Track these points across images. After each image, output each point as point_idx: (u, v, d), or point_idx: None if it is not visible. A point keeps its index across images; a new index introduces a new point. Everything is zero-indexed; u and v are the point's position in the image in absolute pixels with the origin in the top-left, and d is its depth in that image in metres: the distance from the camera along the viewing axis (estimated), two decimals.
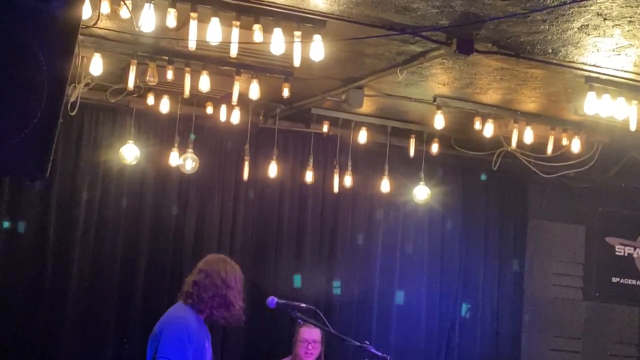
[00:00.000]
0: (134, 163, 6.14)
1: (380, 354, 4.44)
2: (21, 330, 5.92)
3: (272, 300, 4.66)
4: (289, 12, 4.29)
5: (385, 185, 6.84)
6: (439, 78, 5.45)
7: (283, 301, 4.71)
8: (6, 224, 5.93)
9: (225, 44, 4.36)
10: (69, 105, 5.32)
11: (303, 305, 4.67)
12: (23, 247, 6.01)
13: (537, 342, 7.83)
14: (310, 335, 5.89)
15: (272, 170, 6.49)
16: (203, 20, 4.23)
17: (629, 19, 4.10)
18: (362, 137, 6.62)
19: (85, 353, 6.09)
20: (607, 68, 4.92)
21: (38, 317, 5.98)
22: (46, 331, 6.00)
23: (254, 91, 5.30)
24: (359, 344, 4.52)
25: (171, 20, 4.20)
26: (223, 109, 6.04)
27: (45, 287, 6.03)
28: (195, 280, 4.45)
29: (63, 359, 6.03)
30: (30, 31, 3.03)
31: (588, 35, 4.40)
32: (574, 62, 4.86)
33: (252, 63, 5.18)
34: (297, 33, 4.34)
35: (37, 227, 6.06)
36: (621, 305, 8.11)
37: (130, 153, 6.09)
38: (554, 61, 4.85)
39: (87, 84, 5.46)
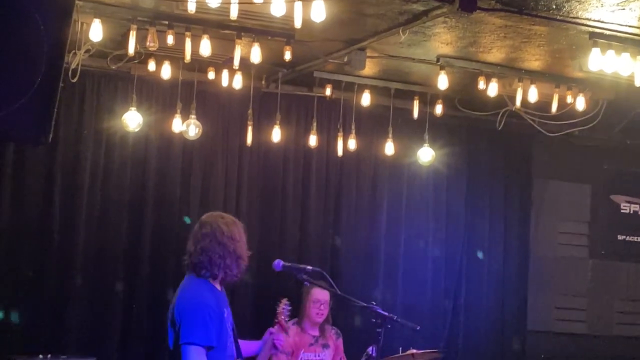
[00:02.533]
0: (136, 130, 6.13)
1: (386, 313, 4.46)
2: (29, 300, 5.95)
3: (279, 263, 4.68)
4: None
5: (389, 148, 6.82)
6: (442, 37, 5.40)
7: (289, 264, 4.72)
8: (11, 189, 5.93)
9: (225, 7, 4.33)
10: (70, 73, 5.29)
11: (309, 267, 4.69)
12: (28, 214, 6.02)
13: (543, 301, 7.87)
14: (323, 295, 5.92)
15: (276, 134, 6.48)
16: None
17: None
18: (365, 99, 6.59)
19: (95, 320, 6.12)
20: (612, 23, 4.87)
21: (45, 287, 6.01)
22: (54, 300, 6.03)
23: (256, 55, 5.26)
24: (365, 304, 4.55)
25: None
26: (225, 74, 6.01)
27: (52, 254, 6.05)
28: (202, 247, 4.34)
29: (72, 327, 6.07)
30: None
31: None
32: (577, 17, 4.81)
33: (253, 26, 5.14)
34: None
35: (42, 194, 6.07)
36: (627, 262, 8.13)
37: (132, 120, 6.08)
38: (558, 17, 4.80)
39: (87, 51, 5.43)
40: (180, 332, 4.02)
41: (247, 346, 4.66)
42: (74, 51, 5.27)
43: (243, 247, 4.32)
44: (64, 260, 6.09)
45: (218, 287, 4.29)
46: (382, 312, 4.47)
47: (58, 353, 5.59)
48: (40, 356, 5.46)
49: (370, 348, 4.88)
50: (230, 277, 4.30)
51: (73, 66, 5.34)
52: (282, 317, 4.81)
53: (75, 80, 5.37)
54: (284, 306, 4.90)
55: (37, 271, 6.01)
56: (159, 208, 6.40)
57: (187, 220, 6.16)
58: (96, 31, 5.03)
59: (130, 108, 6.09)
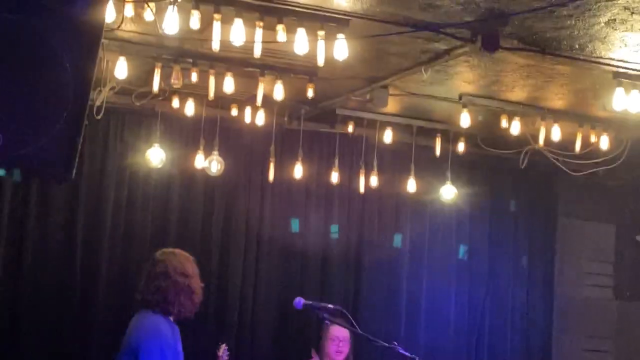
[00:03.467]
0: (160, 166, 6.17)
1: (408, 354, 4.41)
2: (51, 333, 5.95)
3: (299, 301, 4.66)
4: (312, 11, 4.28)
5: (411, 185, 6.80)
6: (464, 76, 5.40)
7: (310, 302, 4.70)
8: (34, 226, 5.97)
9: (249, 46, 4.36)
10: (94, 110, 5.35)
11: (330, 305, 4.67)
12: (51, 249, 6.05)
13: (568, 343, 7.75)
14: (341, 332, 5.88)
15: (298, 171, 6.49)
16: (226, 22, 4.23)
17: None
18: (388, 137, 6.59)
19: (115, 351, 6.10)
20: (636, 63, 4.84)
21: (68, 323, 6.02)
22: (76, 334, 6.03)
23: (279, 92, 5.30)
24: (387, 344, 4.50)
25: (195, 22, 4.20)
26: (248, 110, 6.05)
27: (75, 291, 6.07)
28: (156, 285, 4.51)
29: None
30: (55, 34, 3.05)
31: (615, 30, 4.33)
32: (601, 57, 4.79)
33: (276, 64, 5.18)
34: (321, 32, 4.32)
35: (65, 229, 6.10)
36: None
37: (156, 156, 6.12)
38: (581, 57, 4.79)
39: (112, 88, 5.49)
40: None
41: None
42: (99, 88, 5.33)
43: (196, 282, 4.54)
44: (86, 295, 6.10)
45: (172, 320, 4.54)
46: (404, 352, 4.42)
47: None
48: None
49: None
50: (184, 313, 4.52)
51: (98, 103, 5.40)
52: None
53: (99, 117, 5.42)
54: (223, 350, 4.99)
55: (59, 306, 6.01)
56: (181, 244, 6.38)
57: None
58: (121, 69, 5.09)
59: (154, 144, 6.13)
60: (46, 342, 5.92)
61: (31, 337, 5.88)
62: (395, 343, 4.53)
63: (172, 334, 4.51)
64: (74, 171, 3.15)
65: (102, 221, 6.19)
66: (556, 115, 6.02)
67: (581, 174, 6.95)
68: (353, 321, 4.76)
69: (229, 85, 5.22)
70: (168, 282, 4.52)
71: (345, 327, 5.13)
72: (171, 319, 4.59)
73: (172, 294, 4.52)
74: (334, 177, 6.63)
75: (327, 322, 4.71)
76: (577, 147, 6.25)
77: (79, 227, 6.11)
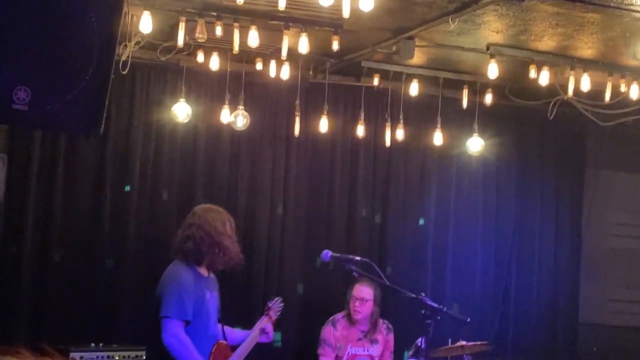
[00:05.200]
0: (186, 121, 6.18)
1: (436, 305, 4.43)
2: (80, 291, 6.04)
3: (327, 253, 4.69)
4: None
5: (437, 138, 6.75)
6: (492, 25, 5.31)
7: (337, 255, 4.73)
8: (63, 181, 6.03)
9: None
10: (120, 65, 5.34)
11: (358, 258, 4.69)
12: (80, 205, 6.11)
13: (596, 293, 7.74)
14: (359, 292, 5.91)
15: (323, 125, 6.46)
16: None
17: None
18: (414, 89, 6.53)
19: (145, 311, 6.16)
20: None
21: (96, 277, 6.09)
22: (105, 290, 6.11)
23: (303, 45, 5.25)
24: (414, 295, 4.52)
25: None
26: (273, 64, 6.01)
27: (103, 245, 6.13)
28: (188, 234, 4.64)
29: (123, 318, 6.13)
30: None
31: None
32: (632, 4, 4.68)
33: (301, 16, 5.12)
34: None
35: (93, 184, 6.15)
36: None
37: (182, 111, 6.12)
38: (612, 4, 4.69)
39: (137, 43, 5.47)
40: (160, 307, 4.52)
41: (236, 334, 4.87)
42: (124, 43, 5.31)
43: (227, 240, 4.64)
44: (115, 250, 6.17)
45: (204, 272, 4.73)
46: (432, 303, 4.44)
47: (110, 343, 5.68)
48: (92, 345, 5.55)
49: (419, 340, 4.86)
50: (215, 266, 4.64)
51: (123, 58, 5.39)
52: (272, 312, 4.93)
53: (125, 72, 5.42)
54: (276, 302, 5.01)
55: (89, 262, 6.09)
56: (208, 199, 6.42)
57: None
58: (146, 23, 5.06)
59: (180, 99, 6.13)
60: (76, 296, 6.01)
61: (61, 291, 5.97)
62: (423, 294, 4.55)
63: (197, 282, 4.62)
64: (102, 126, 3.17)
65: (130, 176, 6.24)
66: (586, 64, 5.92)
67: (610, 124, 6.86)
68: (380, 273, 4.78)
69: (254, 38, 5.18)
70: (198, 233, 4.68)
71: (372, 279, 5.15)
72: (203, 270, 4.68)
73: (199, 244, 4.65)
74: (360, 130, 6.60)
75: (354, 274, 4.74)
76: (607, 96, 6.16)
77: (107, 182, 6.16)
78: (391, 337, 6.10)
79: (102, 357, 5.48)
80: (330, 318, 6.05)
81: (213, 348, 4.68)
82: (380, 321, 6.07)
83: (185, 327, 4.55)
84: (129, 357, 5.50)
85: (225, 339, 4.83)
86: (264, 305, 5.09)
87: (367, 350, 5.97)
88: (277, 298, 5.10)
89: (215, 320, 4.76)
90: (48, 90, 3.03)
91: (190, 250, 4.68)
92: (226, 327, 4.91)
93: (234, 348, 4.84)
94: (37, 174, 5.96)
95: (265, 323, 4.88)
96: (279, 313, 5.03)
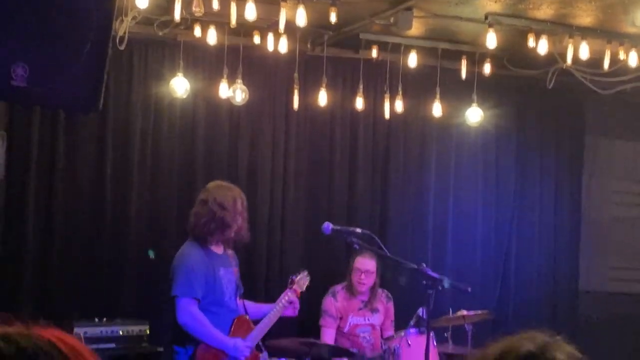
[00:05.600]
0: (184, 96, 6.17)
1: (437, 275, 4.46)
2: (83, 265, 6.06)
3: (328, 226, 4.71)
4: None
5: (437, 109, 6.75)
6: None
7: (338, 227, 4.75)
8: (64, 157, 6.03)
9: None
10: (117, 40, 5.33)
11: (358, 230, 4.72)
12: (81, 181, 6.12)
13: (596, 261, 7.78)
14: (364, 265, 5.93)
15: (322, 98, 6.45)
16: None
17: None
18: (412, 60, 6.51)
19: (148, 286, 6.21)
20: None
21: (99, 251, 6.12)
22: (108, 265, 6.14)
23: (301, 17, 5.22)
24: (415, 266, 4.55)
25: None
26: (270, 38, 5.99)
27: (105, 219, 6.15)
28: (198, 211, 4.71)
29: (126, 292, 6.17)
30: None
31: None
32: None
33: None
34: None
35: (94, 160, 6.16)
36: None
37: (180, 86, 6.11)
38: None
39: (133, 18, 5.45)
40: (171, 287, 4.62)
41: (259, 308, 4.88)
42: (120, 18, 5.29)
43: (232, 217, 4.63)
44: (117, 224, 6.19)
45: (217, 249, 4.77)
46: (433, 273, 4.47)
47: (113, 317, 5.72)
48: (96, 319, 5.59)
49: (421, 310, 4.90)
50: (227, 243, 4.66)
51: (120, 33, 5.37)
52: (296, 285, 4.90)
53: (122, 48, 5.41)
54: (302, 276, 4.99)
55: (91, 236, 6.12)
56: (208, 174, 6.44)
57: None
58: None
59: (178, 74, 6.12)
60: (79, 272, 6.04)
61: (63, 267, 6.00)
62: (424, 265, 4.57)
63: (208, 260, 4.65)
64: (101, 102, 3.17)
65: (130, 151, 6.24)
66: (584, 32, 5.90)
67: (609, 91, 6.85)
68: (381, 244, 4.81)
69: (251, 11, 5.16)
70: (204, 210, 4.69)
71: (373, 251, 5.18)
72: (211, 246, 4.75)
73: (208, 222, 4.66)
74: (359, 103, 6.60)
75: (356, 246, 4.76)
76: (606, 64, 6.14)
77: (107, 157, 6.17)
78: (391, 305, 6.14)
79: (106, 331, 5.52)
80: (330, 289, 6.08)
81: (233, 322, 4.73)
82: (380, 290, 6.11)
83: (199, 305, 4.60)
84: (132, 331, 5.54)
85: (246, 313, 4.84)
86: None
87: (368, 320, 6.01)
88: (303, 271, 5.06)
89: (232, 295, 4.78)
90: (46, 66, 3.03)
91: (200, 228, 4.68)
92: (248, 302, 4.94)
93: (257, 322, 4.85)
94: (37, 151, 5.97)
95: (291, 297, 4.87)
96: (305, 286, 4.99)
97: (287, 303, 4.85)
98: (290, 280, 4.98)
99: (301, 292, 4.97)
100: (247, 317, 4.85)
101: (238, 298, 4.85)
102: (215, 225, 4.68)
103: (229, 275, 4.76)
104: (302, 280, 4.98)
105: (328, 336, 5.91)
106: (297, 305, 4.91)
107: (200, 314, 4.59)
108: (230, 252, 4.87)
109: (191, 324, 4.57)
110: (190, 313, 4.56)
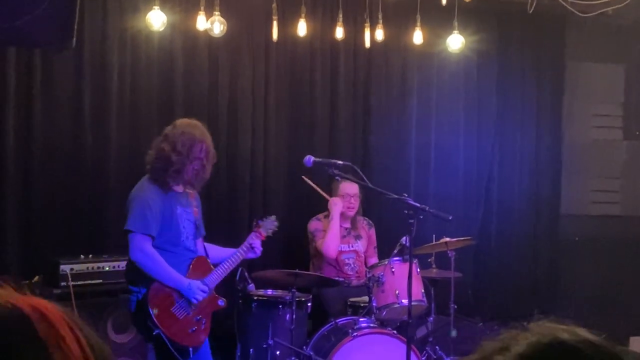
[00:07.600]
0: (161, 29, 6.06)
1: (418, 205, 4.49)
2: (65, 203, 6.05)
3: (309, 159, 4.70)
4: None
5: (417, 37, 6.68)
6: None
7: (320, 159, 4.75)
8: (41, 95, 5.96)
9: None
10: None
11: (340, 162, 4.72)
12: (60, 118, 6.06)
13: (577, 185, 7.86)
14: (351, 189, 5.95)
15: (302, 28, 6.37)
16: None
17: None
18: None
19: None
20: None
21: (81, 189, 6.09)
22: (91, 201, 6.13)
23: None
24: (397, 196, 4.57)
25: None
26: None
27: (85, 156, 6.09)
28: (153, 144, 4.65)
29: (111, 229, 6.18)
30: None
31: None
32: None
33: None
34: None
35: (72, 97, 6.07)
36: None
37: (157, 19, 5.99)
38: None
39: None
40: (126, 221, 4.49)
41: (221, 252, 4.83)
42: None
43: (183, 161, 4.50)
44: (98, 161, 6.14)
45: (178, 187, 4.60)
46: (414, 203, 4.50)
47: (99, 254, 5.75)
48: (82, 256, 5.62)
49: (404, 238, 4.94)
50: (170, 183, 4.53)
51: None
52: (262, 229, 4.86)
53: None
54: (269, 220, 4.95)
55: (72, 174, 6.09)
56: (189, 108, 6.40)
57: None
58: None
59: (154, 7, 6.00)
60: (58, 211, 6.03)
61: (45, 206, 5.97)
62: (405, 195, 4.60)
63: (164, 197, 4.52)
64: (74, 40, 3.12)
65: (108, 87, 6.16)
66: None
67: (590, 14, 6.80)
68: (363, 176, 4.82)
69: None
70: (160, 149, 4.58)
71: (355, 181, 5.20)
72: (172, 184, 4.57)
73: (156, 161, 4.56)
74: (339, 32, 6.52)
75: (337, 178, 4.76)
76: None
77: (85, 94, 6.08)
78: (373, 232, 6.20)
79: (92, 267, 5.53)
80: (313, 217, 6.10)
81: (191, 262, 4.59)
82: (361, 218, 6.16)
83: (153, 242, 4.47)
84: (118, 267, 5.56)
85: (207, 255, 4.77)
86: (251, 222, 5.04)
87: (352, 246, 6.07)
88: (271, 217, 4.99)
89: (189, 235, 4.62)
90: (17, 3, 2.97)
91: (151, 165, 4.57)
92: (210, 244, 4.83)
93: (218, 265, 4.74)
94: (14, 93, 5.88)
95: (253, 239, 4.83)
96: (271, 231, 4.93)
97: (249, 246, 4.77)
98: (255, 223, 4.89)
99: (267, 236, 4.88)
100: (207, 259, 4.72)
101: (199, 239, 4.74)
102: (164, 166, 4.51)
103: (186, 214, 4.61)
104: (268, 224, 4.91)
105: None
106: (260, 249, 4.81)
107: (154, 251, 4.43)
108: (191, 192, 4.69)
109: (143, 260, 4.41)
110: (142, 249, 4.41)
